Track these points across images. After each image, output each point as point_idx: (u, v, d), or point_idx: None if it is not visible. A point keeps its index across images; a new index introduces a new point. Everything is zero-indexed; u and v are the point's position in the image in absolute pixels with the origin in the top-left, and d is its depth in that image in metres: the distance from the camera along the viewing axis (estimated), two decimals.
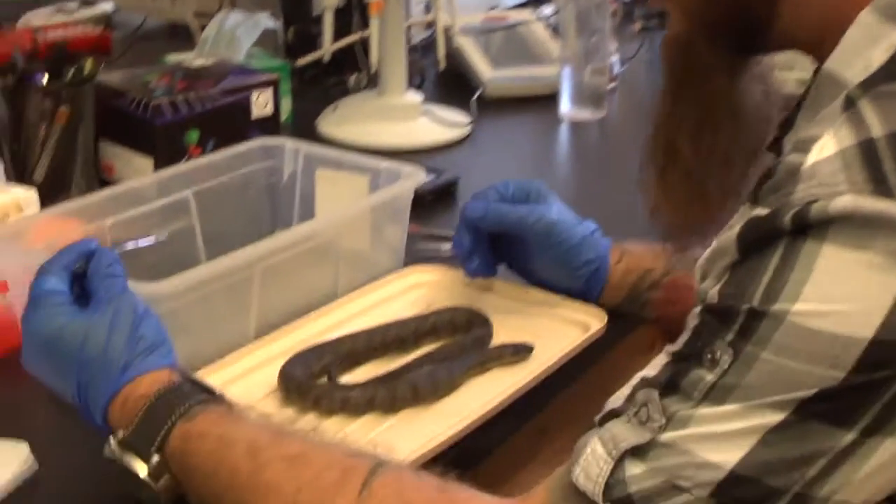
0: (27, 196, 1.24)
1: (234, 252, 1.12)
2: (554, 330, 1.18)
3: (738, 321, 0.68)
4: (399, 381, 1.06)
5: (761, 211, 0.68)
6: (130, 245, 1.19)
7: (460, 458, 1.00)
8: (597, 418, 0.76)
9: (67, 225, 1.23)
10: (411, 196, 1.31)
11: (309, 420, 1.04)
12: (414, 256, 1.35)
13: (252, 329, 1.15)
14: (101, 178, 1.55)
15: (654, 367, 0.75)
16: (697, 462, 0.68)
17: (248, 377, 1.11)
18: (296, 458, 0.83)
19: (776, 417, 0.66)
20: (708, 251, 0.74)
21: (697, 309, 0.73)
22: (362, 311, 1.24)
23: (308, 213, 1.37)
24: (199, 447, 0.86)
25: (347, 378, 1.11)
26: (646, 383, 0.73)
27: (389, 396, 1.04)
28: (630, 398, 0.74)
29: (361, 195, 1.31)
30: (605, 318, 1.17)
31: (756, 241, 0.69)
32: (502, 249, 1.23)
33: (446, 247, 1.38)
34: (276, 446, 0.84)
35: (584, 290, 1.18)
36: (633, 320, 1.22)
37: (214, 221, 1.33)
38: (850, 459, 0.65)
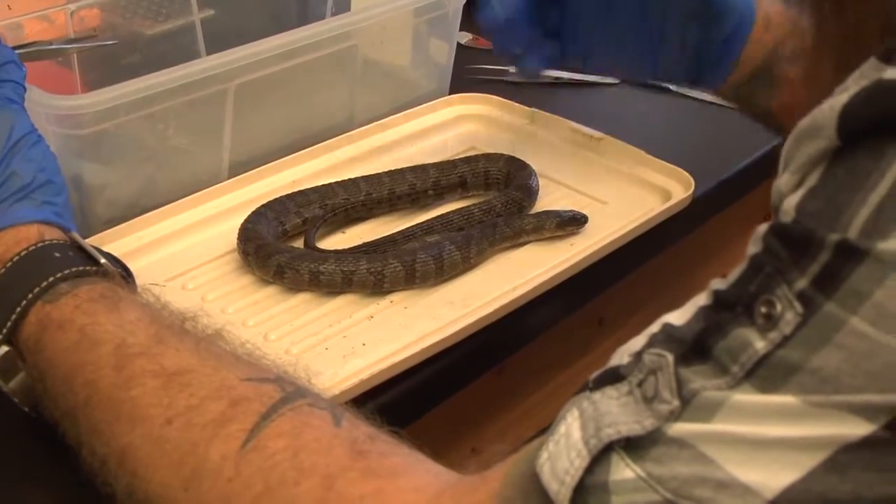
0: None
1: (198, 59, 0.84)
2: (622, 195, 0.90)
3: (821, 259, 0.41)
4: (392, 253, 0.79)
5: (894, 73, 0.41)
6: (86, 44, 0.92)
7: (477, 356, 0.77)
8: (592, 376, 0.48)
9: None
10: None
11: (267, 297, 0.78)
12: (468, 79, 1.05)
13: (224, 165, 0.89)
14: None
15: (687, 309, 0.47)
16: (720, 478, 0.42)
17: (209, 227, 0.86)
18: (174, 377, 0.59)
19: (859, 429, 0.40)
20: (796, 127, 0.44)
21: (763, 228, 0.44)
22: (380, 149, 0.97)
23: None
24: (56, 340, 0.62)
25: (334, 241, 0.85)
26: (664, 336, 0.46)
27: (375, 273, 0.77)
28: (638, 356, 0.45)
29: None
30: (692, 186, 0.87)
31: (875, 124, 0.41)
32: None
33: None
34: (153, 355, 0.60)
35: (720, 48, 0.83)
36: (726, 192, 0.91)
37: (222, 16, 1.05)
38: None
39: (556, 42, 0.86)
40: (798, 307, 0.41)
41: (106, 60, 0.99)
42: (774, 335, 0.42)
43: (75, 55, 0.96)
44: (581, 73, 1.07)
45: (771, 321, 0.42)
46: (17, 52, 0.78)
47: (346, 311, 0.77)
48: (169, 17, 1.07)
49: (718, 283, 0.46)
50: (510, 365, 0.82)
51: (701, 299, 0.46)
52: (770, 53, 0.83)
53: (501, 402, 0.85)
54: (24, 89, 0.73)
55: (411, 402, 0.73)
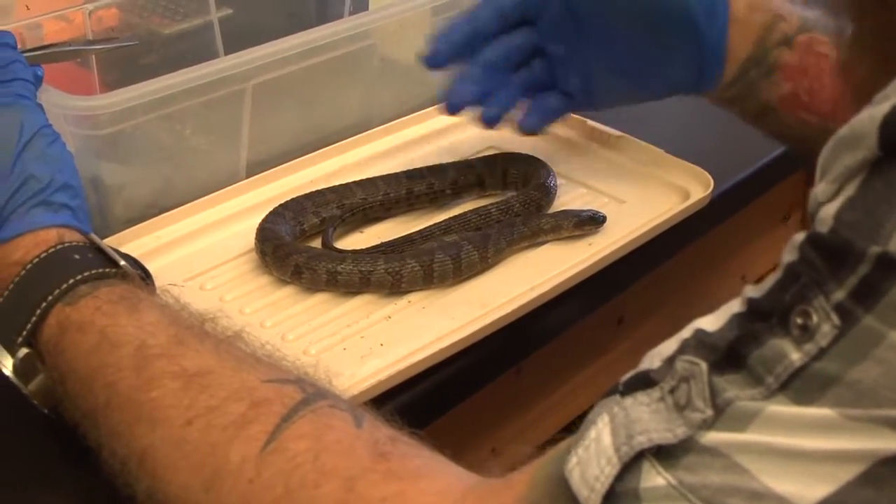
0: None
1: (216, 59, 0.84)
2: (641, 194, 0.89)
3: (859, 271, 0.40)
4: (410, 253, 0.79)
5: None
6: (104, 45, 0.91)
7: (495, 356, 0.77)
8: (623, 379, 0.48)
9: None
10: None
11: (285, 297, 0.78)
12: None
13: (242, 165, 0.89)
14: None
15: (720, 315, 0.46)
16: (755, 489, 0.41)
17: (227, 227, 0.86)
18: (195, 378, 0.59)
19: None
20: (834, 136, 0.43)
21: (799, 237, 0.43)
22: (397, 148, 0.96)
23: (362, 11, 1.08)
24: (76, 343, 0.62)
25: (352, 241, 0.84)
26: (697, 343, 0.45)
27: (392, 273, 0.77)
28: (670, 362, 0.45)
29: None
30: (711, 185, 0.86)
31: None
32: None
33: None
34: (173, 356, 0.60)
35: (700, 28, 0.80)
36: (745, 191, 0.90)
37: (240, 15, 1.05)
38: None
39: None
40: (835, 319, 0.40)
41: (124, 60, 0.99)
42: (810, 347, 0.41)
43: (93, 55, 0.97)
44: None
45: (807, 332, 0.41)
46: (35, 53, 0.78)
47: (364, 311, 0.77)
48: (186, 17, 1.07)
49: (753, 291, 0.45)
50: (529, 365, 0.81)
51: (735, 306, 0.45)
52: (759, 38, 0.81)
53: (520, 402, 0.84)
54: (35, 86, 0.72)
55: (429, 403, 0.72)
